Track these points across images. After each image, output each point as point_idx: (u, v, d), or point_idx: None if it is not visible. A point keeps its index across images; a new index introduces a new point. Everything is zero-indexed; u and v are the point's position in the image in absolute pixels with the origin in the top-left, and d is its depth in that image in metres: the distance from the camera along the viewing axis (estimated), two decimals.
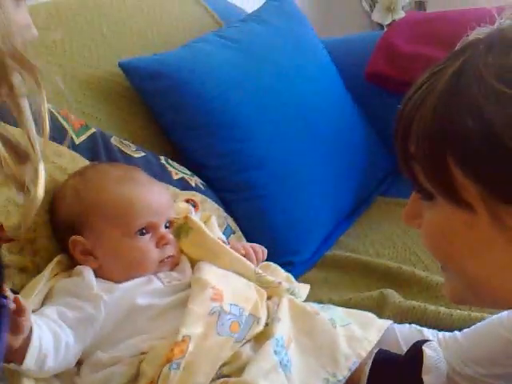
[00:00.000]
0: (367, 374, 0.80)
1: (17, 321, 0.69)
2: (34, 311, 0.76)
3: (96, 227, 0.84)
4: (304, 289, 0.95)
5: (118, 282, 0.83)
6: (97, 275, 0.83)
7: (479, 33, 0.54)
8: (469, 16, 1.37)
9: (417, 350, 0.78)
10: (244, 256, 0.91)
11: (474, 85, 0.50)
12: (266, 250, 0.97)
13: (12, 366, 0.71)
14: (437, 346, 0.80)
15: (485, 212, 0.50)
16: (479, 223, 0.51)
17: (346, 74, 1.49)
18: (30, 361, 0.71)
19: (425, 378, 0.76)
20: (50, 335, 0.74)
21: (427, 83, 0.53)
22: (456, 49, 0.54)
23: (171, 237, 0.88)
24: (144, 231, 0.85)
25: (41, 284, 0.80)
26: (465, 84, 0.50)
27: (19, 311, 0.69)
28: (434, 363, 0.77)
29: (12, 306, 0.69)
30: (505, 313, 0.81)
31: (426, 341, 0.80)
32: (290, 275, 0.97)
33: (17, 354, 0.71)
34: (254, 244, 0.98)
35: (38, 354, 0.72)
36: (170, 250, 0.87)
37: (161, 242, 0.86)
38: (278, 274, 0.97)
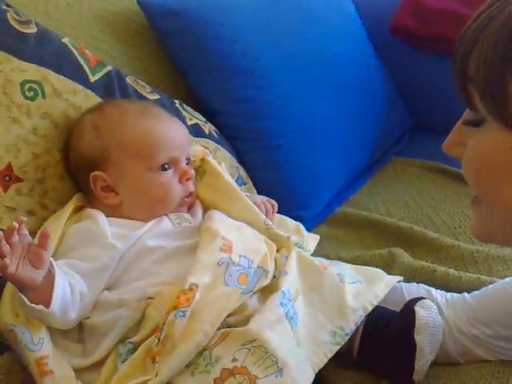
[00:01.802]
0: (360, 335, 0.80)
1: (38, 253, 0.70)
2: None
3: (118, 163, 0.83)
4: (313, 240, 0.95)
5: (140, 219, 0.83)
6: (116, 213, 0.83)
7: None
8: None
9: (409, 310, 0.78)
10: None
11: None
12: (276, 205, 0.96)
13: (40, 307, 0.71)
14: (430, 304, 0.79)
15: None
16: None
17: (370, 26, 1.45)
18: (55, 304, 0.72)
19: (417, 338, 0.77)
20: (67, 284, 0.74)
21: (496, 4, 0.52)
22: None
23: (193, 172, 0.88)
24: (166, 166, 0.85)
25: (60, 231, 0.80)
26: None
27: (42, 243, 0.70)
28: (427, 323, 0.77)
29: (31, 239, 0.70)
30: None
31: (419, 299, 0.80)
32: (299, 224, 0.97)
33: (42, 295, 0.71)
34: (266, 198, 0.97)
35: (62, 299, 0.72)
36: (191, 186, 0.88)
37: (184, 177, 0.86)
38: (286, 224, 0.96)
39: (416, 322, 0.77)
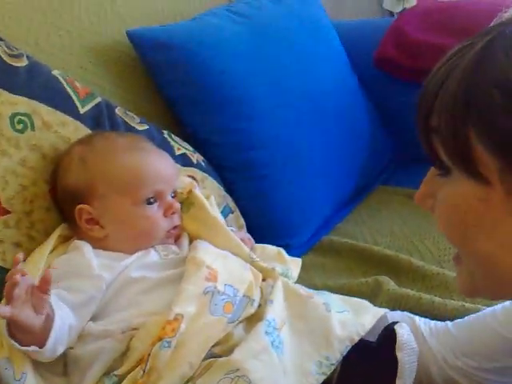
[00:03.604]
0: (340, 363, 0.80)
1: (41, 298, 0.68)
2: None
3: (104, 196, 0.84)
4: (296, 265, 0.95)
5: (125, 251, 0.83)
6: (102, 245, 0.83)
7: (505, 17, 0.54)
8: (481, 6, 1.36)
9: (389, 330, 0.79)
10: None
11: (502, 56, 0.49)
12: (252, 240, 0.98)
13: (33, 349, 0.70)
14: (407, 327, 0.80)
15: (500, 187, 0.50)
16: (493, 198, 0.51)
17: (355, 59, 1.48)
18: (49, 345, 0.70)
19: (399, 355, 0.77)
20: (60, 321, 0.73)
21: (454, 58, 0.53)
22: (483, 30, 0.53)
23: (178, 205, 0.88)
24: (152, 200, 0.85)
25: (43, 261, 0.80)
26: (492, 56, 0.50)
27: (45, 285, 0.68)
28: (407, 341, 0.77)
29: (35, 281, 0.68)
30: (498, 306, 0.81)
31: (396, 322, 0.80)
32: (281, 249, 0.98)
33: (37, 338, 0.70)
34: (242, 234, 0.99)
35: (55, 337, 0.71)
36: (176, 220, 0.88)
37: (169, 211, 0.86)
38: (268, 251, 0.97)
39: (397, 339, 0.77)
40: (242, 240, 0.93)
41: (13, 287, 0.67)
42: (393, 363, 0.77)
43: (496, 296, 0.63)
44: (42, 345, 0.70)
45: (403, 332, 0.78)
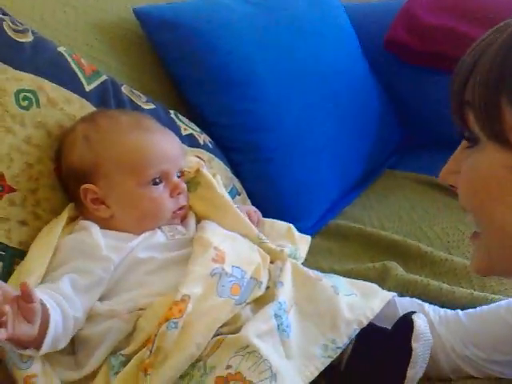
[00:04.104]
0: (353, 341, 0.80)
1: (29, 307, 0.67)
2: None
3: (109, 176, 0.83)
4: (304, 243, 0.95)
5: (131, 231, 0.82)
6: (108, 225, 0.82)
7: None
8: None
9: (407, 319, 0.79)
10: None
11: None
12: (259, 212, 0.98)
13: (28, 351, 0.69)
14: (425, 318, 0.80)
15: None
16: None
17: (365, 41, 1.47)
18: (46, 347, 0.70)
19: (414, 345, 0.76)
20: (60, 316, 0.71)
21: (490, 36, 0.56)
22: None
23: (184, 186, 0.87)
24: (157, 180, 0.84)
25: (55, 243, 0.79)
26: None
27: (27, 297, 0.66)
28: (424, 332, 0.77)
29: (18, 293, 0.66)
30: None
31: (414, 312, 0.80)
32: (291, 226, 0.97)
33: (33, 341, 0.69)
34: (253, 209, 0.98)
35: (53, 339, 0.70)
36: (183, 200, 0.87)
37: (175, 191, 0.86)
38: (278, 227, 0.97)
39: (414, 329, 0.77)
40: (249, 213, 0.93)
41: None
42: (406, 352, 0.76)
43: (509, 274, 0.64)
44: (39, 346, 0.69)
45: (420, 323, 0.78)
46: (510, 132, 0.53)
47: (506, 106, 0.53)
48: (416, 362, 0.76)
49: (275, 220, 0.98)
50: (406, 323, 0.79)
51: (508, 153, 0.53)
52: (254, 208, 1.00)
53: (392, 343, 0.79)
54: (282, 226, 0.98)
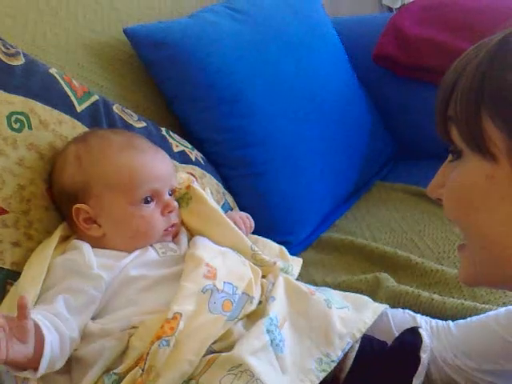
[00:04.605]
0: (351, 361, 0.81)
1: (22, 326, 0.66)
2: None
3: (100, 196, 0.83)
4: (297, 264, 0.95)
5: (123, 250, 0.83)
6: (100, 244, 0.83)
7: None
8: (479, 2, 1.36)
9: (414, 331, 0.82)
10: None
11: None
12: (250, 217, 0.99)
13: (25, 373, 0.69)
14: (426, 331, 0.82)
15: (507, 165, 0.54)
16: (499, 175, 0.55)
17: (353, 55, 1.48)
18: (43, 368, 0.69)
19: (423, 356, 0.79)
20: (56, 337, 0.72)
21: (471, 53, 0.58)
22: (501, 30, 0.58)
23: (176, 204, 0.88)
24: (149, 199, 0.85)
25: (47, 262, 0.79)
26: (507, 47, 0.55)
27: (22, 315, 0.66)
28: (429, 345, 0.80)
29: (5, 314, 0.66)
30: (502, 310, 0.82)
31: (418, 327, 0.82)
32: (283, 247, 0.98)
33: (30, 362, 0.68)
34: (245, 214, 0.99)
35: (50, 359, 0.70)
36: (174, 218, 0.88)
37: (166, 209, 0.86)
38: (271, 248, 0.97)
39: (423, 341, 0.80)
40: (242, 218, 0.94)
41: None
42: (412, 363, 0.79)
43: (496, 284, 0.65)
44: (36, 366, 0.69)
45: (425, 335, 0.81)
46: (491, 143, 0.55)
47: (487, 120, 0.55)
48: (422, 372, 0.78)
49: (268, 240, 0.99)
50: (413, 336, 0.81)
51: (490, 163, 0.55)
52: (245, 213, 1.00)
53: (399, 354, 0.80)
54: (274, 246, 0.98)
